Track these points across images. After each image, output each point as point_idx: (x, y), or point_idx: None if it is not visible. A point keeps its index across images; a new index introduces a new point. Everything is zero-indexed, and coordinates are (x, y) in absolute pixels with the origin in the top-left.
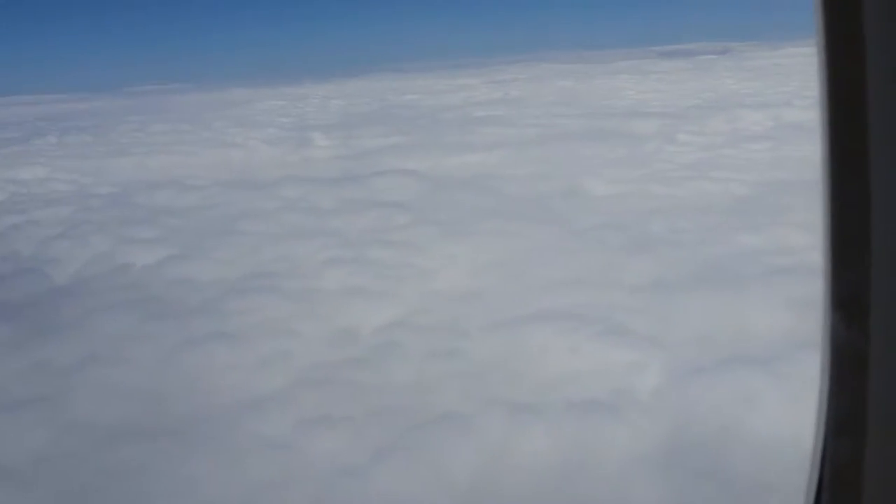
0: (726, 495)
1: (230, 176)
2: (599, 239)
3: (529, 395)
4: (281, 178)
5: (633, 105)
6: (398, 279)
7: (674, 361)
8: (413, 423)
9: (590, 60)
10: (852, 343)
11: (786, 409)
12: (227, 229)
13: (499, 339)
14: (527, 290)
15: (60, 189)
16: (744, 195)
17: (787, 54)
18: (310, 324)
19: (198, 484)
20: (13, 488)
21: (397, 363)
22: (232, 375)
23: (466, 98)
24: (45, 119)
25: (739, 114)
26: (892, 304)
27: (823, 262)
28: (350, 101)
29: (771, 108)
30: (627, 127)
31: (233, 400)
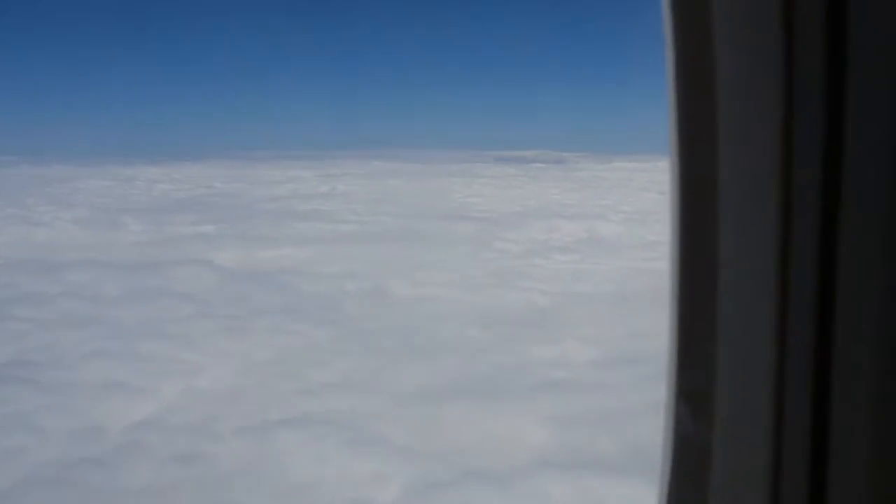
0: None
1: (24, 256)
2: (381, 343)
3: None
4: (75, 261)
5: (457, 208)
6: (163, 375)
7: (417, 474)
8: None
9: (427, 160)
10: (696, 436)
11: None
12: (0, 313)
13: (249, 443)
14: (291, 393)
15: None
16: (543, 306)
17: (613, 168)
18: (56, 419)
19: None
20: None
21: (136, 465)
22: None
23: (293, 190)
24: None
25: (556, 224)
26: (737, 397)
27: (669, 354)
28: (177, 185)
29: (586, 219)
30: (447, 230)
31: None
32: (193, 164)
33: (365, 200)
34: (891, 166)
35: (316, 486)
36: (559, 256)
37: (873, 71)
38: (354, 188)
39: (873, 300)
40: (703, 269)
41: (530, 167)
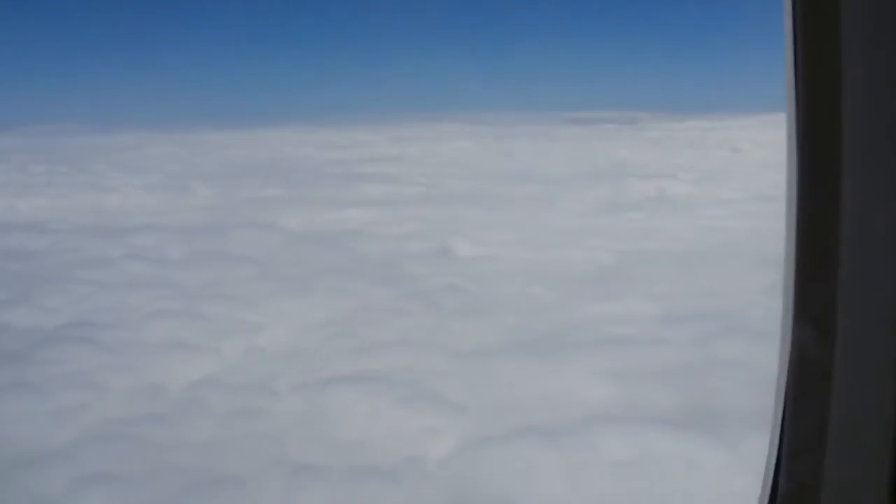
0: None
1: (92, 221)
2: (441, 302)
3: (316, 458)
4: (141, 225)
5: (526, 169)
6: (223, 334)
7: (471, 430)
8: (188, 485)
9: (499, 122)
10: (817, 356)
11: (560, 483)
12: (64, 276)
13: (305, 399)
14: (348, 352)
15: None
16: (608, 264)
17: (687, 127)
18: (118, 377)
19: None
20: None
21: (196, 421)
22: (18, 427)
23: (362, 154)
24: None
25: (625, 183)
26: (860, 316)
27: (786, 272)
28: (246, 150)
29: (656, 178)
30: (515, 191)
31: (11, 453)
32: (263, 129)
33: (433, 163)
34: None
35: (369, 441)
36: (627, 215)
37: None
38: (423, 151)
39: None
40: (825, 189)
41: (602, 128)
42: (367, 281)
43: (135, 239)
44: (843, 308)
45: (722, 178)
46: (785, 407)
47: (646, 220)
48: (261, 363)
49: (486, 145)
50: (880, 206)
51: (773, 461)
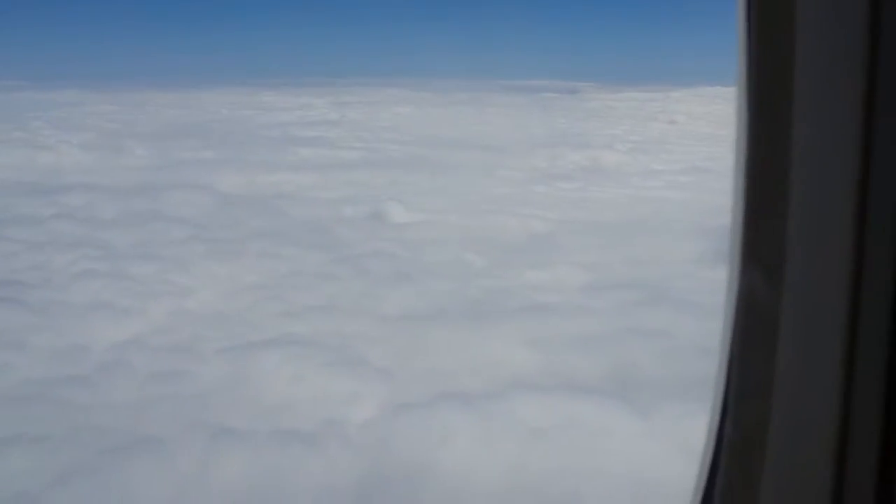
0: None
1: (24, 178)
2: (372, 267)
3: (238, 422)
4: (74, 184)
5: (463, 136)
6: (150, 296)
7: (393, 395)
8: (109, 447)
9: (439, 89)
10: (765, 300)
11: (476, 448)
12: None
13: (230, 363)
14: (275, 315)
15: None
16: (541, 232)
17: (624, 98)
18: (42, 337)
19: None
20: None
21: (118, 383)
22: None
23: (301, 117)
24: None
25: (560, 152)
26: (809, 260)
27: (734, 215)
28: (186, 112)
29: (592, 149)
30: (451, 157)
31: None
32: (206, 90)
33: (373, 128)
34: None
35: (292, 405)
36: (561, 184)
37: None
38: (364, 116)
39: None
40: (775, 128)
41: (540, 97)
42: (299, 245)
43: (66, 198)
44: (791, 252)
45: (656, 150)
46: (731, 353)
47: (579, 190)
48: (187, 326)
49: (427, 111)
50: (831, 148)
51: (719, 408)
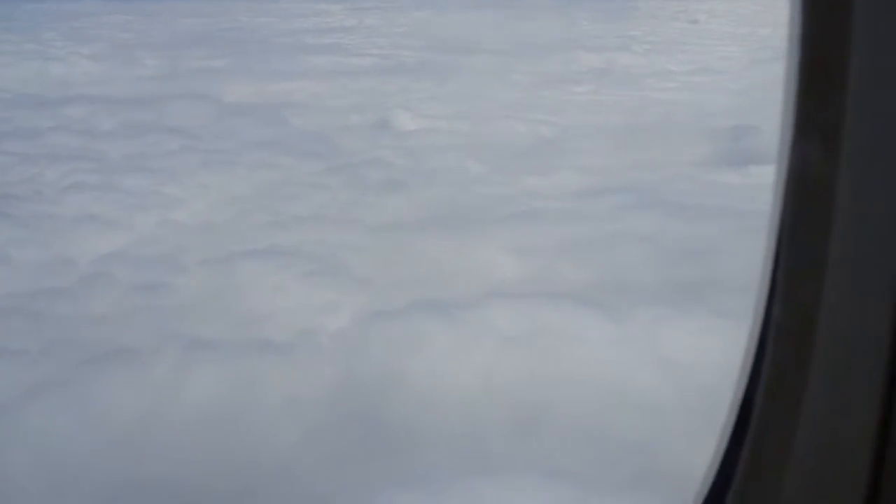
0: (370, 439)
1: (30, 91)
2: (366, 176)
3: (213, 333)
4: (78, 96)
5: (479, 41)
6: (139, 208)
7: (371, 305)
8: (83, 359)
9: None
10: (820, 174)
11: (446, 357)
12: None
13: (212, 274)
14: (262, 226)
15: None
16: (548, 137)
17: None
18: (27, 251)
19: None
20: None
21: (99, 295)
22: None
23: (317, 23)
24: None
25: (576, 55)
26: (868, 132)
27: (787, 84)
28: (201, 20)
29: (608, 51)
30: (466, 63)
31: None
32: None
33: (389, 34)
34: None
35: (267, 315)
36: (573, 87)
37: None
38: (381, 21)
39: None
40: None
41: None
42: (296, 155)
43: (68, 110)
44: (851, 119)
45: (674, 50)
46: (780, 231)
47: (591, 93)
48: (173, 237)
49: (447, 16)
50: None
51: (766, 289)
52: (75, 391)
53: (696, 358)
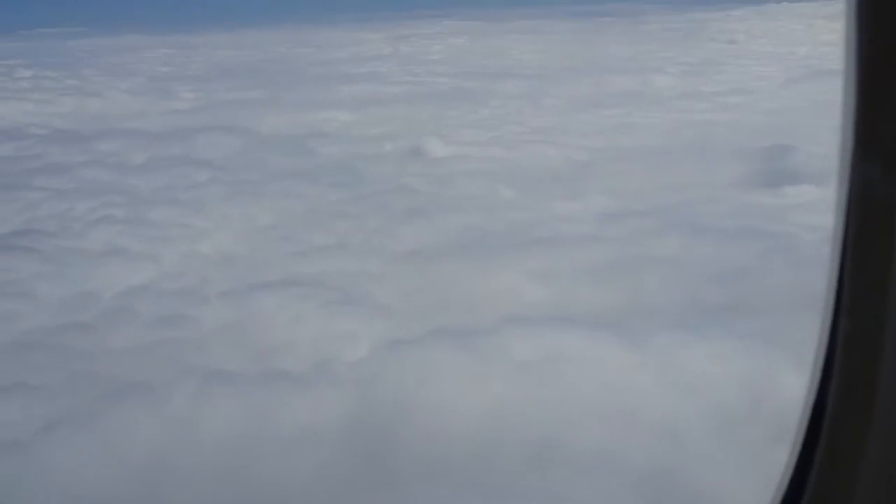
0: (380, 471)
1: (66, 126)
2: (395, 203)
3: (230, 364)
4: (112, 130)
5: (513, 66)
6: (166, 241)
7: (390, 333)
8: (102, 393)
9: (498, 18)
10: (883, 195)
11: (466, 386)
12: (20, 183)
13: (234, 306)
14: (285, 256)
15: None
16: (579, 161)
17: (686, 19)
18: (53, 285)
19: None
20: None
21: (121, 329)
22: None
23: (355, 53)
24: None
25: (608, 79)
26: None
27: (846, 105)
28: (240, 51)
29: (641, 73)
30: (499, 88)
31: None
32: (263, 29)
33: (424, 61)
34: None
35: (287, 346)
36: (606, 111)
37: None
38: (416, 49)
39: None
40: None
41: (599, 21)
42: (322, 184)
43: (101, 144)
44: None
45: (710, 71)
46: (844, 249)
47: (624, 116)
48: (196, 269)
49: (481, 42)
50: None
51: (832, 304)
52: (91, 426)
53: (714, 383)
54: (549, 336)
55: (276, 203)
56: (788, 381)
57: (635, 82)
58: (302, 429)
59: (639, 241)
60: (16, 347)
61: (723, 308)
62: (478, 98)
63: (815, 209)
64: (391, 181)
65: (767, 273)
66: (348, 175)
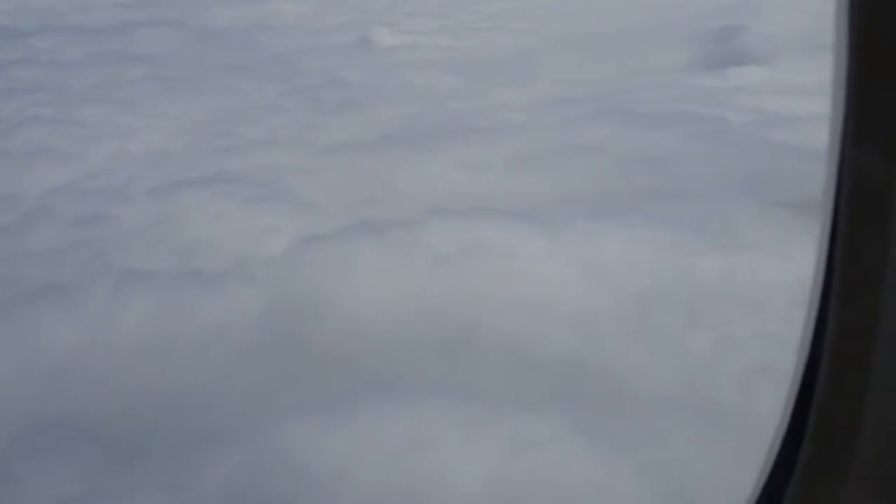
0: (294, 364)
1: (6, 22)
2: (333, 96)
3: (147, 264)
4: (52, 25)
5: None
6: (94, 139)
7: (311, 228)
8: (13, 296)
9: None
10: (881, 180)
11: (383, 279)
12: None
13: (157, 204)
14: (215, 152)
15: None
16: (530, 47)
17: None
18: None
19: None
20: None
21: (41, 231)
22: None
23: None
24: None
25: None
26: None
27: (835, 89)
28: None
29: None
30: None
31: None
32: None
33: None
34: None
35: (206, 244)
36: None
37: None
38: None
39: None
40: None
41: None
42: (261, 79)
43: (38, 41)
44: None
45: None
46: (834, 234)
47: (579, 1)
48: (123, 168)
49: None
50: None
51: (819, 293)
52: (2, 328)
53: (629, 268)
54: (470, 228)
55: (213, 99)
56: (704, 263)
57: None
58: (215, 326)
59: (572, 129)
60: None
61: (645, 194)
62: None
63: (757, 90)
64: (333, 74)
65: (695, 157)
66: (291, 69)
